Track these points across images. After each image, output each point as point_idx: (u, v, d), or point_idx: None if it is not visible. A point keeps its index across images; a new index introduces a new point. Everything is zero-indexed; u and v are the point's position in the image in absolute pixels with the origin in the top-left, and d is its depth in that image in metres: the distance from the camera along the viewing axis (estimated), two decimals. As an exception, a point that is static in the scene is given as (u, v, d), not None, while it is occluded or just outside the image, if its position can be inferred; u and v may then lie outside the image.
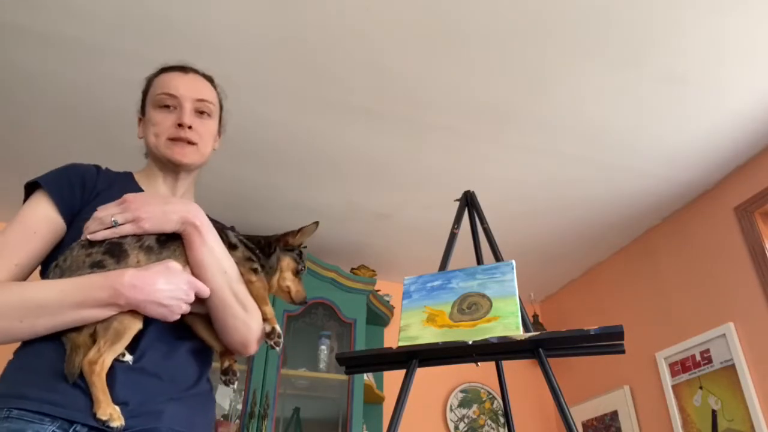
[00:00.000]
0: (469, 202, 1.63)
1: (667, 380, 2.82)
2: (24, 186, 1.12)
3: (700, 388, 2.64)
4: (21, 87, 2.20)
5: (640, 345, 3.00)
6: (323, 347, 2.93)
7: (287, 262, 1.17)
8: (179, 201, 1.11)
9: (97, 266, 0.99)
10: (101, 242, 1.02)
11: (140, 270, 0.99)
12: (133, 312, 0.98)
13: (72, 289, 0.95)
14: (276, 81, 2.20)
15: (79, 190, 1.12)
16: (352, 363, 1.27)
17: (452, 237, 1.56)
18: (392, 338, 3.18)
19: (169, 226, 1.05)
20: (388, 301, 3.31)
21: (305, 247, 1.24)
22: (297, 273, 1.18)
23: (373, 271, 3.33)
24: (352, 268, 3.29)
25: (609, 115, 2.35)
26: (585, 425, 3.27)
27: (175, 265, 1.02)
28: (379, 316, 3.25)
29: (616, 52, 2.06)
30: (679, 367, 2.77)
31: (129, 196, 1.06)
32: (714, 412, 2.56)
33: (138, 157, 2.73)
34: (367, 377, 2.96)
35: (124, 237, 1.03)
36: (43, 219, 1.07)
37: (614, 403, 3.12)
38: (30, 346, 0.98)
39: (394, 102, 2.29)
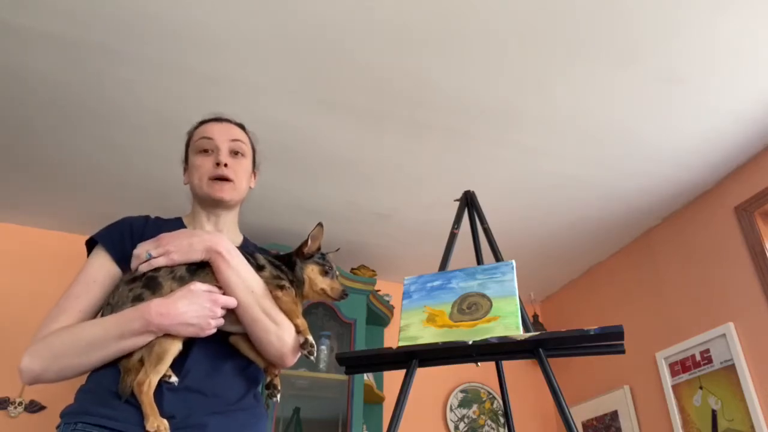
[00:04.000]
0: (469, 202, 1.63)
1: (667, 380, 2.82)
2: (85, 243, 1.29)
3: (700, 388, 2.64)
4: (21, 87, 2.20)
5: (640, 345, 3.00)
6: (323, 347, 2.93)
7: (311, 268, 1.27)
8: (205, 233, 1.24)
9: (137, 299, 1.13)
10: (141, 277, 1.16)
11: (165, 297, 1.12)
12: (170, 335, 1.11)
13: (112, 324, 1.10)
14: (276, 81, 2.20)
15: (129, 238, 1.26)
16: (352, 363, 1.27)
17: (452, 237, 1.56)
18: (392, 338, 3.19)
19: (195, 256, 1.18)
20: (388, 301, 3.31)
21: (337, 249, 1.37)
22: (326, 274, 1.27)
23: (373, 271, 3.33)
24: (352, 268, 3.29)
25: (609, 115, 2.35)
26: (585, 425, 3.27)
27: (197, 287, 1.14)
28: (379, 316, 3.25)
29: (616, 52, 2.06)
30: (679, 367, 2.77)
31: (162, 235, 1.21)
32: (714, 412, 2.56)
33: (136, 157, 2.73)
34: (367, 377, 2.96)
35: (158, 270, 1.16)
36: (100, 268, 1.23)
37: (614, 403, 3.12)
38: (95, 372, 1.14)
39: (394, 102, 2.29)
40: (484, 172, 2.69)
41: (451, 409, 3.38)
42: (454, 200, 1.65)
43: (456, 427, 3.33)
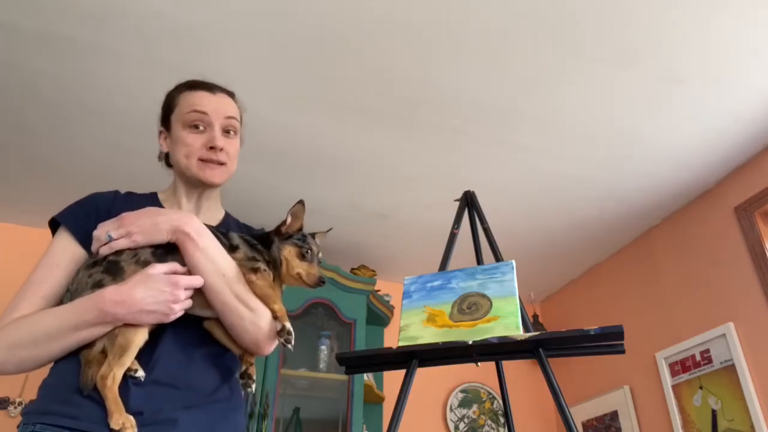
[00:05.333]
0: (469, 202, 1.63)
1: (667, 380, 2.82)
2: (48, 223, 1.19)
3: (700, 388, 2.64)
4: (21, 87, 2.20)
5: (640, 345, 3.00)
6: (323, 347, 2.93)
7: (289, 250, 1.16)
8: (171, 212, 1.14)
9: (97, 286, 1.04)
10: (102, 262, 1.07)
11: (120, 285, 1.02)
12: (133, 324, 1.02)
13: (66, 315, 1.02)
14: (277, 81, 2.20)
15: (94, 216, 1.16)
16: (352, 363, 1.28)
17: (452, 237, 1.56)
18: (392, 338, 3.18)
19: (160, 237, 1.08)
20: (388, 301, 3.31)
21: (329, 230, 1.27)
22: (303, 257, 1.16)
23: (373, 271, 3.33)
24: (352, 268, 3.29)
25: (609, 115, 2.35)
26: (585, 425, 3.27)
27: (155, 269, 1.04)
28: (379, 316, 3.25)
29: (616, 52, 2.06)
30: (679, 367, 2.77)
31: (125, 213, 1.11)
32: (714, 412, 2.56)
33: (137, 158, 2.72)
34: (367, 377, 2.96)
35: (121, 254, 1.07)
36: (63, 251, 1.13)
37: (614, 403, 3.12)
38: (56, 365, 1.06)
39: (394, 102, 2.29)
40: (484, 172, 2.69)
41: (451, 409, 3.38)
42: (454, 200, 1.65)
43: (456, 427, 3.33)
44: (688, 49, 2.05)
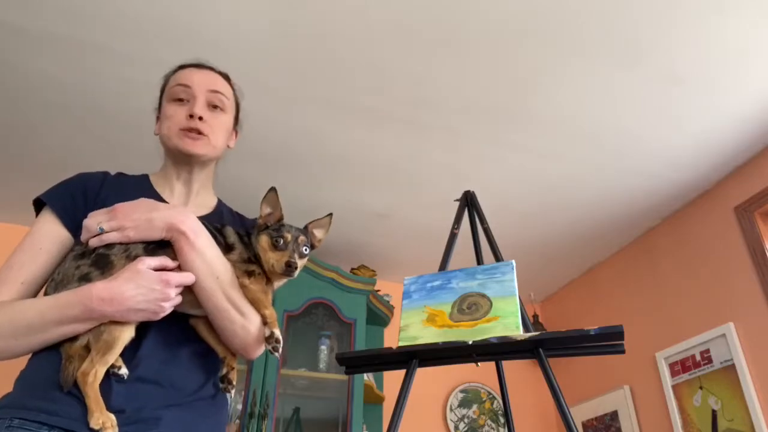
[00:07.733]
0: (469, 202, 1.63)
1: (667, 380, 2.82)
2: (32, 203, 1.14)
3: (700, 388, 2.64)
4: (21, 87, 2.20)
5: (640, 345, 3.00)
6: (323, 347, 2.93)
7: (264, 240, 1.12)
8: (168, 207, 1.09)
9: (84, 279, 0.99)
10: (91, 254, 1.02)
11: (108, 280, 0.98)
12: (119, 321, 0.98)
13: (49, 308, 0.97)
14: (276, 81, 2.20)
15: (82, 199, 1.11)
16: (352, 363, 1.27)
17: (452, 237, 1.56)
18: (392, 338, 3.18)
19: (154, 234, 1.04)
20: (388, 301, 3.31)
21: (329, 215, 1.24)
22: (275, 246, 1.11)
23: (373, 271, 3.33)
24: (352, 268, 3.29)
25: (609, 116, 2.35)
26: (585, 425, 3.27)
27: (145, 265, 0.99)
28: (379, 316, 3.25)
29: (616, 52, 2.06)
30: (679, 367, 2.77)
31: (119, 205, 1.06)
32: (714, 412, 2.56)
33: (137, 157, 2.72)
34: (367, 377, 2.95)
35: (111, 247, 1.03)
36: (47, 234, 1.09)
37: (614, 403, 3.12)
38: (35, 357, 1.01)
39: (394, 102, 2.29)
40: (484, 172, 2.69)
41: (451, 409, 3.38)
42: (454, 200, 1.65)
43: (456, 427, 3.33)
44: (688, 49, 2.05)
